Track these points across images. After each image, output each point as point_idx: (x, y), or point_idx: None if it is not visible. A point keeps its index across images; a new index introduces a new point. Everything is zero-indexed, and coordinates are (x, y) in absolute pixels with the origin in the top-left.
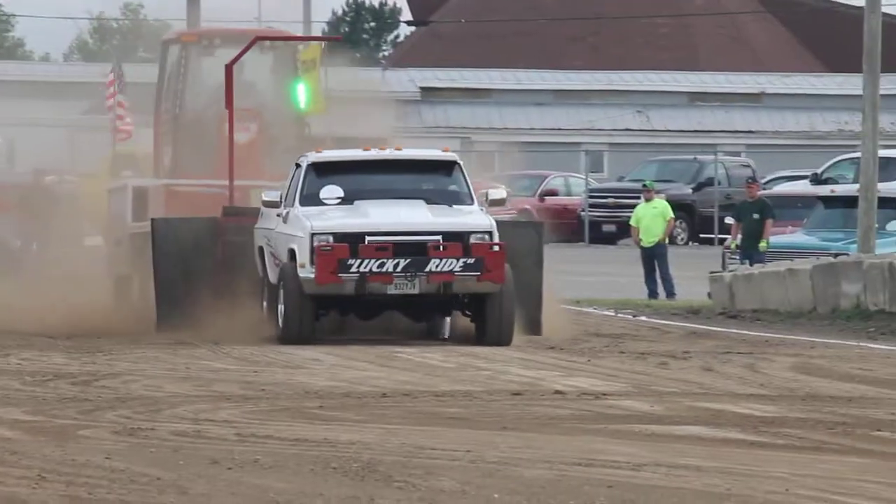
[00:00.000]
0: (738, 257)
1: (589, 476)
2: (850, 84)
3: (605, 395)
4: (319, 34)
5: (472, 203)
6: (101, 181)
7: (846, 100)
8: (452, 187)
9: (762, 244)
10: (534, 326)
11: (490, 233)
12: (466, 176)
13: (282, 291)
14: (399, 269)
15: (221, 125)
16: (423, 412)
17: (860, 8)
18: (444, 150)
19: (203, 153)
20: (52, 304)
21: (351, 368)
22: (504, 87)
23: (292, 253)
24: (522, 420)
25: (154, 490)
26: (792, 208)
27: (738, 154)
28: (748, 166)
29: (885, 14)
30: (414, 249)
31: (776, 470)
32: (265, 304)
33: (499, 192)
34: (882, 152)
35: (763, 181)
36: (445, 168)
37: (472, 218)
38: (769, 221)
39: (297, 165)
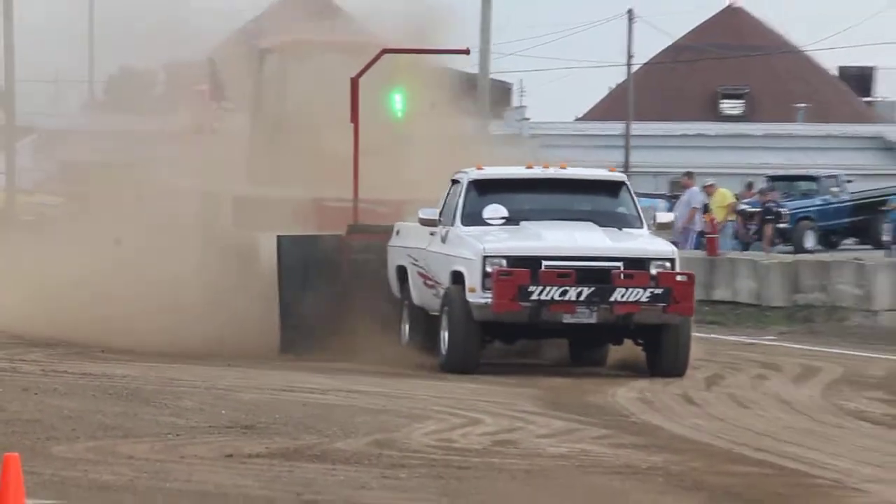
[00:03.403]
0: None
1: (290, 398)
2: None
3: None
4: None
5: (641, 226)
6: None
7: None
8: (621, 209)
9: None
10: None
11: (672, 260)
12: (635, 197)
13: (445, 317)
14: (583, 297)
15: (318, 133)
16: (174, 353)
17: (475, 74)
18: (610, 170)
19: (300, 161)
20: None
21: None
22: None
23: (457, 276)
24: (244, 358)
25: None
26: None
27: None
28: None
29: (493, 79)
30: (596, 277)
31: (419, 393)
32: (406, 327)
33: (667, 216)
34: None
35: None
36: (612, 188)
37: (654, 244)
38: None
39: (455, 182)
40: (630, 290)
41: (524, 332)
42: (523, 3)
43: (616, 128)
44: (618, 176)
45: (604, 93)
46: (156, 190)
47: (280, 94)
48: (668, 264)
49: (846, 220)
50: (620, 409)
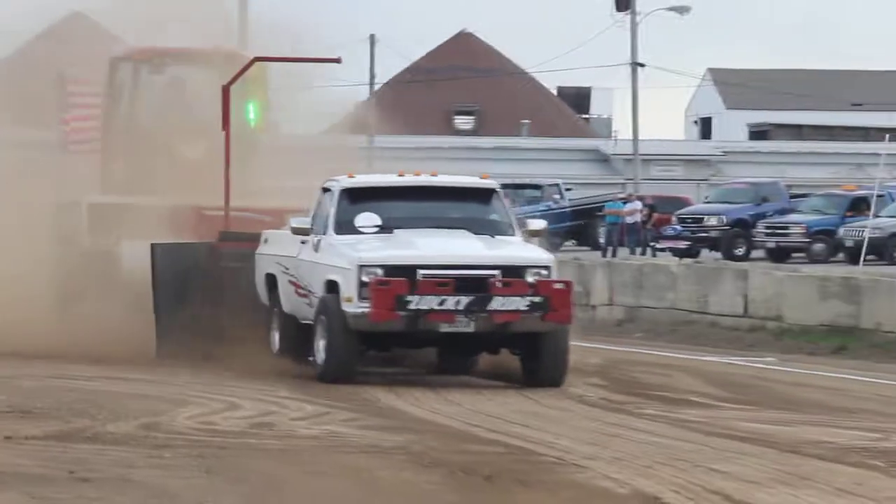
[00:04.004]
0: None
1: (63, 385)
2: None
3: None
4: None
5: (514, 233)
6: None
7: None
8: (493, 216)
9: None
10: None
11: (549, 267)
12: (506, 204)
13: (321, 326)
14: (461, 307)
15: (172, 141)
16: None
17: None
18: (482, 177)
19: (156, 170)
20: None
21: None
22: None
23: (331, 285)
24: (19, 355)
25: None
26: None
27: None
28: None
29: None
30: (474, 285)
31: (183, 380)
32: (276, 335)
33: (538, 223)
34: None
35: None
36: (484, 196)
37: (529, 251)
38: None
39: (326, 190)
40: (508, 298)
41: (400, 341)
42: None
43: (360, 140)
44: (489, 183)
45: (349, 109)
46: (6, 199)
47: (134, 103)
48: (544, 272)
49: (567, 224)
50: (368, 395)
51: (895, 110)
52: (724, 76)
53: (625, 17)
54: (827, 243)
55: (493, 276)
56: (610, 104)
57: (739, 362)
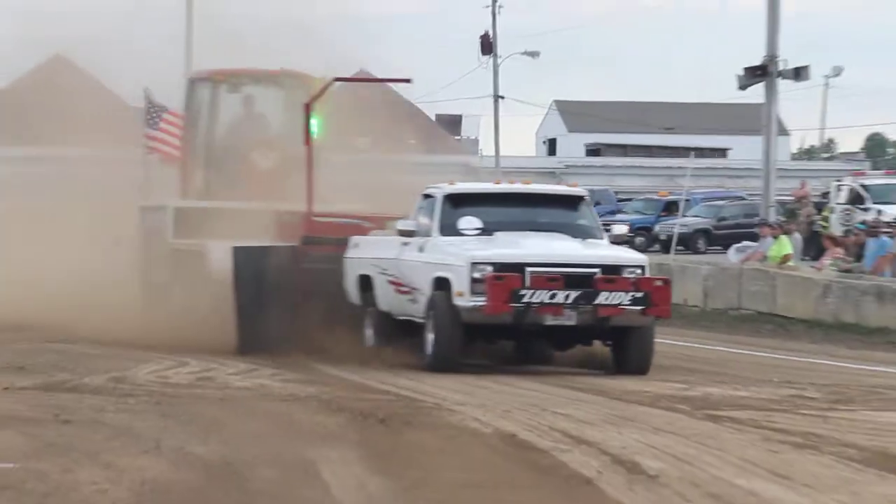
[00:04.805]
0: None
1: (49, 348)
2: None
3: None
4: None
5: (602, 237)
6: None
7: None
8: (582, 221)
9: None
10: None
11: (643, 267)
12: (594, 211)
13: (431, 321)
14: (570, 301)
15: (248, 153)
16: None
17: None
18: (571, 185)
19: (232, 178)
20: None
21: None
22: None
23: (441, 282)
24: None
25: None
26: None
27: None
28: None
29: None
30: (581, 282)
31: (140, 345)
32: (370, 331)
33: (621, 228)
34: None
35: None
36: (574, 202)
37: (625, 252)
38: None
39: (428, 196)
40: (613, 293)
41: (504, 333)
42: None
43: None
44: (578, 191)
45: None
46: (97, 205)
47: (211, 119)
48: (639, 271)
49: None
50: (287, 353)
51: (699, 133)
52: (567, 106)
53: (488, 59)
54: (646, 237)
55: (595, 273)
56: (477, 128)
57: None
